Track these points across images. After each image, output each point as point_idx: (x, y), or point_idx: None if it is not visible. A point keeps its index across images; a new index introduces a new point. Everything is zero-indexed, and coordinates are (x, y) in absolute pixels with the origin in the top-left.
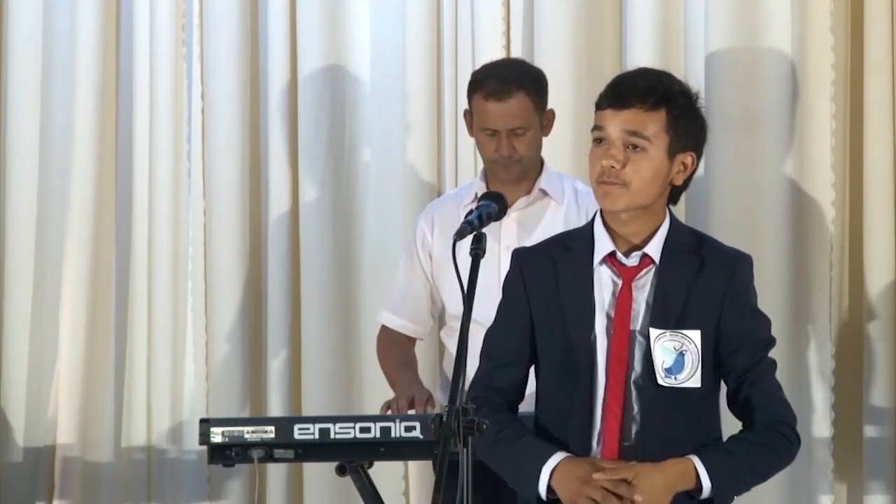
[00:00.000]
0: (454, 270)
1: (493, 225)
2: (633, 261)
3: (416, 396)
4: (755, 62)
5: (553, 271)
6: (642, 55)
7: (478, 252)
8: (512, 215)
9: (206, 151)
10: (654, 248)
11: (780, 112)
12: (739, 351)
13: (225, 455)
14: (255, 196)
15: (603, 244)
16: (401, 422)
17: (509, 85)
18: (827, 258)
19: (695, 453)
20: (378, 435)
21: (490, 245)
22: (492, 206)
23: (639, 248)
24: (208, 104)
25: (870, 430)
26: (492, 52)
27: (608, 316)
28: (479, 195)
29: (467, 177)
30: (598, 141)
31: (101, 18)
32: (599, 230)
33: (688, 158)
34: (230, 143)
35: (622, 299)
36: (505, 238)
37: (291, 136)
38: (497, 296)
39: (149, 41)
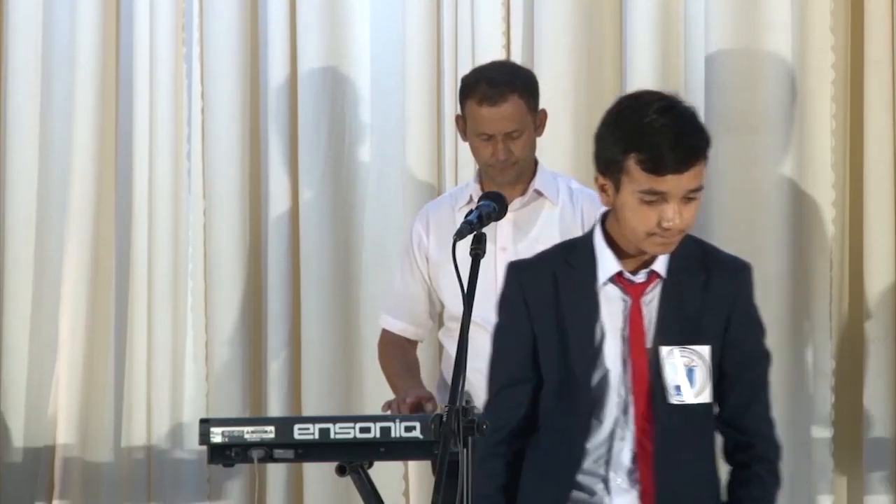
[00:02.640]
0: (454, 271)
1: (487, 227)
2: (640, 277)
3: (413, 394)
4: (755, 62)
5: (554, 288)
6: (642, 55)
7: (478, 252)
8: (507, 216)
9: (206, 151)
10: (661, 264)
11: (780, 112)
12: (744, 368)
13: (225, 455)
14: (254, 196)
15: (608, 263)
16: (401, 422)
17: (502, 88)
18: (827, 258)
19: None
20: (378, 435)
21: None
22: (491, 206)
23: (645, 264)
24: (208, 104)
25: (870, 430)
26: (492, 52)
27: (622, 336)
28: (473, 197)
29: (467, 177)
30: (651, 201)
31: (101, 18)
32: (602, 247)
33: None
34: (230, 143)
35: (634, 317)
36: (500, 239)
37: (291, 135)
38: (493, 297)
39: (149, 41)
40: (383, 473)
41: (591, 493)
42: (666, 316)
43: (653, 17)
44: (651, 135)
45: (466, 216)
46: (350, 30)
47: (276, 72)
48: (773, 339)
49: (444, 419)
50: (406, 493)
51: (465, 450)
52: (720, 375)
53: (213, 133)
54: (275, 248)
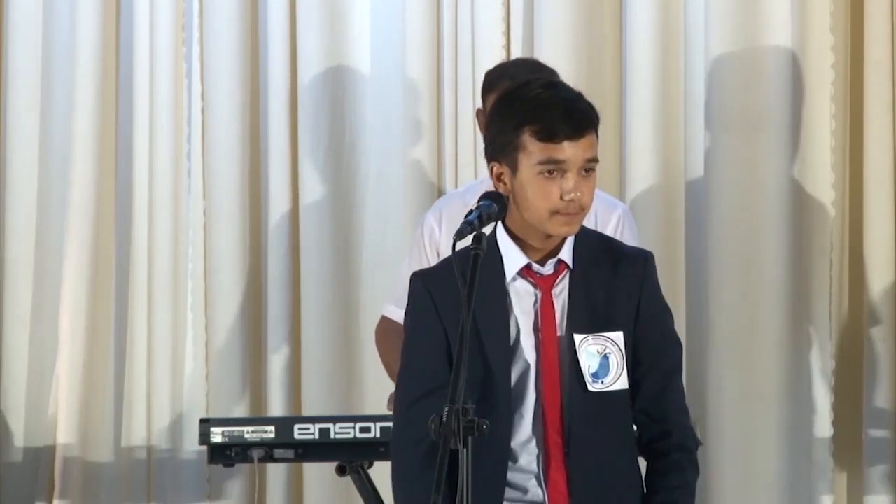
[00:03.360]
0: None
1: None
2: (548, 269)
3: None
4: (755, 62)
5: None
6: (642, 55)
7: (478, 251)
8: None
9: (206, 151)
10: (567, 254)
11: (781, 112)
12: (657, 354)
13: (225, 455)
14: (255, 196)
15: (514, 258)
16: None
17: None
18: (827, 258)
19: None
20: (378, 435)
21: None
22: (492, 206)
23: (551, 254)
24: (208, 104)
25: (870, 431)
26: (492, 52)
27: (535, 328)
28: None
29: (467, 176)
30: (551, 172)
31: (101, 18)
32: (506, 243)
33: None
34: (230, 143)
35: (545, 309)
36: None
37: (291, 135)
38: None
39: (149, 41)
40: (383, 473)
41: (524, 490)
42: (576, 305)
43: (653, 17)
44: (542, 107)
45: (466, 216)
46: (350, 30)
47: (276, 72)
48: (774, 339)
49: (444, 419)
50: None
51: (465, 450)
52: (634, 364)
53: (213, 133)
54: (275, 248)
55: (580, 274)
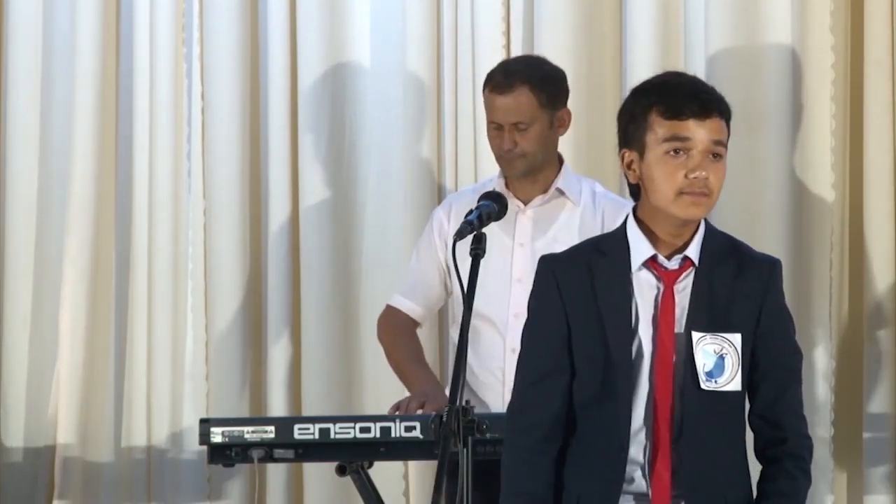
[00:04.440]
0: (454, 271)
1: (507, 222)
2: (674, 264)
3: (429, 401)
4: (755, 62)
5: (589, 277)
6: (642, 55)
7: (478, 252)
8: (528, 213)
9: (206, 151)
10: (694, 251)
11: (780, 112)
12: (776, 359)
13: (225, 455)
14: (255, 196)
15: (641, 248)
16: (401, 422)
17: (513, 79)
18: (827, 258)
19: None
20: (378, 435)
21: (503, 242)
22: (492, 206)
23: (679, 251)
24: (208, 104)
25: (869, 431)
26: (492, 52)
27: (653, 320)
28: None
29: (467, 176)
30: (677, 151)
31: (101, 18)
32: (635, 234)
33: None
34: (230, 142)
35: (666, 303)
36: (519, 235)
37: (291, 135)
38: (509, 292)
39: (149, 41)
40: (383, 473)
41: (630, 480)
42: (697, 303)
43: (653, 17)
44: (669, 87)
45: (466, 216)
46: (350, 29)
47: (276, 71)
48: None
49: (444, 419)
50: (406, 493)
51: (465, 450)
52: (752, 367)
53: (213, 133)
54: (275, 248)
55: (705, 272)
